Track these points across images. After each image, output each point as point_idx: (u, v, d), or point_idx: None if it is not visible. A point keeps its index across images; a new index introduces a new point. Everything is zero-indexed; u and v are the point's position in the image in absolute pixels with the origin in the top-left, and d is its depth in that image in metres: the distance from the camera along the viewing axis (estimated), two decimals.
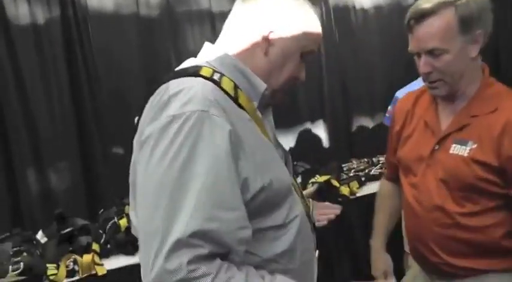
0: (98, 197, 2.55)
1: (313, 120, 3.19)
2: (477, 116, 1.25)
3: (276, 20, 0.99)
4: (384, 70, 3.27)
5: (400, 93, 2.33)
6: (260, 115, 1.00)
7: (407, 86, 2.37)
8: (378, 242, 1.54)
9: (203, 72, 0.93)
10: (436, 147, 1.29)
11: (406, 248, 2.17)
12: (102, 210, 2.34)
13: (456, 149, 1.24)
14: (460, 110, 1.28)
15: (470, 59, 1.23)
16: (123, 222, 2.13)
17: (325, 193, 2.57)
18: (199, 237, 0.77)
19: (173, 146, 0.81)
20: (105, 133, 2.57)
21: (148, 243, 0.79)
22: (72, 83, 2.48)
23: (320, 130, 3.20)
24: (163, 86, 0.89)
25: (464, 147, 1.23)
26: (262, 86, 0.99)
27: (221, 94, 0.91)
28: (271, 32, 0.98)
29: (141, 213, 0.84)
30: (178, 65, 1.01)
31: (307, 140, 3.18)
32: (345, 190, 2.63)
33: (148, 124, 0.85)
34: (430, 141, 1.31)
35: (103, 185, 2.56)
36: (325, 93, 3.19)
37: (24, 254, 1.99)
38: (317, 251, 1.10)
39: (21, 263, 1.92)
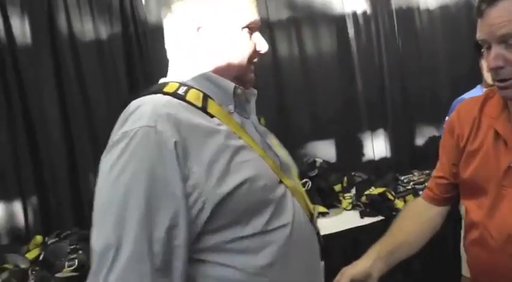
0: None
1: (373, 129, 3.06)
2: None
3: (196, 14, 0.96)
4: (450, 76, 3.03)
5: (458, 102, 2.15)
6: (239, 119, 0.99)
7: (466, 93, 2.18)
8: (366, 263, 1.17)
9: (167, 88, 0.95)
10: None
11: (465, 272, 1.96)
12: None
13: None
14: None
15: None
16: None
17: (379, 206, 2.47)
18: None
19: (118, 163, 0.83)
20: None
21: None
22: (132, 94, 2.64)
23: (380, 139, 3.06)
24: (128, 106, 0.92)
25: None
26: (230, 86, 0.99)
27: (182, 107, 0.91)
28: (200, 28, 0.97)
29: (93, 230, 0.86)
30: None
31: (367, 149, 3.06)
32: (399, 204, 2.48)
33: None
34: (504, 156, 1.07)
35: None
36: (386, 100, 3.05)
37: (80, 251, 2.17)
38: (322, 262, 1.06)
39: (76, 260, 2.11)
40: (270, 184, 0.94)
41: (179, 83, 0.98)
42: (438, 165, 1.29)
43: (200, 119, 0.92)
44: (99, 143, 2.57)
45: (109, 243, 0.80)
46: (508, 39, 0.98)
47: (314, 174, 2.54)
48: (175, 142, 0.84)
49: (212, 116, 0.94)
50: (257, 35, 1.02)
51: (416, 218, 1.30)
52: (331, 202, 2.45)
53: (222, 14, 0.97)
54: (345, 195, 2.49)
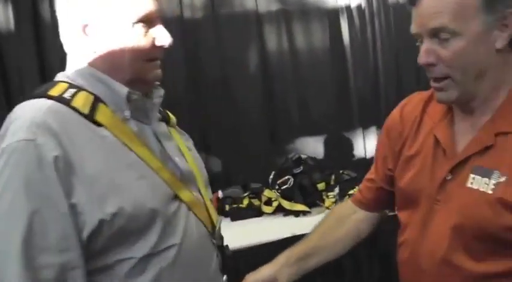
0: None
1: (365, 126, 2.98)
2: (506, 133, 0.88)
3: (82, 10, 0.89)
4: None
5: None
6: (136, 126, 0.92)
7: None
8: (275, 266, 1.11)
9: (53, 90, 0.88)
10: (449, 177, 0.93)
11: None
12: None
13: (476, 182, 0.89)
14: (482, 125, 0.92)
15: (495, 50, 0.87)
16: None
17: None
18: None
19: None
20: None
21: None
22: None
23: (372, 137, 2.97)
24: (11, 112, 0.86)
25: (487, 179, 0.87)
26: (122, 91, 0.91)
27: (66, 115, 0.85)
28: (86, 25, 0.89)
29: None
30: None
31: (358, 147, 2.98)
32: None
33: None
34: (441, 167, 0.95)
35: None
36: (380, 97, 2.96)
37: None
38: (225, 276, 1.02)
39: None
40: (156, 206, 0.88)
41: (69, 83, 0.90)
42: (372, 166, 1.19)
43: (84, 129, 0.85)
44: None
45: None
46: (441, 33, 0.86)
47: (298, 171, 2.47)
48: (56, 156, 0.79)
49: (100, 125, 0.87)
50: (156, 28, 0.93)
51: (339, 221, 1.20)
52: (313, 200, 2.38)
53: (108, 9, 0.89)
54: (329, 193, 2.42)
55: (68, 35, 0.93)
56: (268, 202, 2.43)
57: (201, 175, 1.06)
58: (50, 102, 0.85)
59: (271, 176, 2.52)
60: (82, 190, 0.80)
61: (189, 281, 0.92)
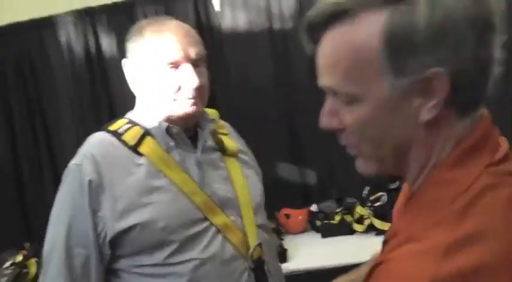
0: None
1: None
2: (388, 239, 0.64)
3: (131, 52, 1.12)
4: None
5: None
6: (179, 155, 1.09)
7: None
8: None
9: (113, 126, 1.11)
10: None
11: None
12: None
13: None
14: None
15: (418, 122, 0.60)
16: None
17: None
18: None
19: (58, 194, 1.08)
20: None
21: None
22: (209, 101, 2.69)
23: None
24: None
25: None
26: (163, 126, 1.09)
27: (112, 146, 1.07)
28: (133, 65, 1.10)
29: None
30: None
31: None
32: None
33: None
34: None
35: None
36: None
37: None
38: None
39: None
40: (173, 224, 1.02)
41: (128, 119, 1.12)
42: None
43: (125, 158, 1.06)
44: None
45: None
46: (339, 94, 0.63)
47: (394, 187, 2.27)
48: (90, 180, 1.03)
49: (141, 155, 1.06)
50: (185, 71, 1.05)
51: None
52: None
53: (143, 55, 1.08)
54: None
55: (127, 78, 1.13)
56: (360, 220, 2.31)
57: (248, 202, 1.15)
58: (105, 135, 1.10)
59: (364, 191, 2.37)
60: (108, 206, 1.02)
61: None
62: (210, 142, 1.17)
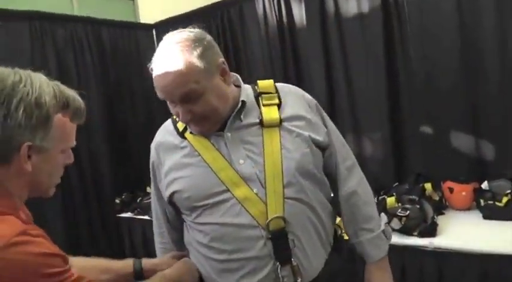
0: (403, 170, 2.77)
1: None
2: None
3: None
4: None
5: None
6: (211, 139, 1.23)
7: None
8: None
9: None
10: None
11: None
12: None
13: None
14: None
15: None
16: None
17: None
18: None
19: None
20: (416, 112, 2.69)
21: None
22: (389, 64, 2.72)
23: None
24: None
25: None
26: None
27: (168, 131, 1.32)
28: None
29: None
30: None
31: None
32: None
33: None
34: None
35: (410, 161, 2.75)
36: None
37: None
38: (278, 263, 1.19)
39: None
40: (197, 195, 1.22)
41: None
42: None
43: (173, 142, 1.29)
44: (356, 110, 2.88)
45: None
46: None
47: None
48: (152, 162, 1.35)
49: (185, 138, 1.26)
50: (177, 107, 1.20)
51: None
52: None
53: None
54: None
55: None
56: None
57: (277, 174, 1.20)
58: (169, 122, 1.35)
59: None
60: (162, 179, 1.31)
61: (228, 254, 1.21)
62: (245, 120, 1.24)
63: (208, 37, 1.21)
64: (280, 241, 1.19)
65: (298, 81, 3.01)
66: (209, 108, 1.16)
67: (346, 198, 1.36)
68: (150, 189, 1.44)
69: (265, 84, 1.32)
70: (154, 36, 3.93)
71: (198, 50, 1.13)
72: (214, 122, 1.21)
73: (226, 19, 3.37)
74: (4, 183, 0.88)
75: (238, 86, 1.30)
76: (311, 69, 3.00)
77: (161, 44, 1.17)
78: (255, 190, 1.19)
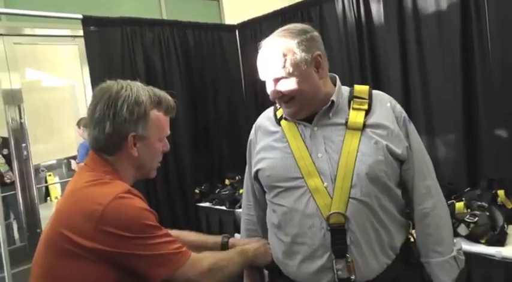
0: (477, 174, 2.63)
1: None
2: None
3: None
4: None
5: None
6: (302, 128, 1.35)
7: None
8: None
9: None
10: None
11: None
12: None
13: None
14: None
15: None
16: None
17: None
18: None
19: None
20: (492, 114, 2.55)
21: None
22: (465, 62, 2.61)
23: None
24: None
25: None
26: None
27: (267, 117, 1.47)
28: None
29: None
30: None
31: None
32: None
33: None
34: None
35: (484, 166, 2.61)
36: None
37: None
38: (329, 253, 1.26)
39: None
40: (276, 175, 1.34)
41: None
42: None
43: (271, 126, 1.43)
44: (430, 110, 2.80)
45: None
46: None
47: None
48: (250, 140, 1.52)
49: (280, 125, 1.40)
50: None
51: None
52: None
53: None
54: None
55: None
56: None
57: (348, 173, 1.26)
58: (271, 108, 1.49)
59: None
60: (254, 156, 1.45)
61: (292, 237, 1.32)
62: (332, 119, 1.32)
63: (314, 33, 1.33)
64: (338, 235, 1.26)
65: (375, 80, 3.00)
66: (297, 90, 1.28)
67: (420, 218, 1.37)
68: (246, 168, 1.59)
69: (360, 89, 1.39)
70: (237, 37, 4.09)
71: (299, 38, 1.27)
72: (302, 106, 1.32)
73: (307, 19, 3.42)
74: (118, 168, 1.18)
75: (335, 85, 1.38)
76: (387, 68, 2.96)
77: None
78: (325, 184, 1.27)
